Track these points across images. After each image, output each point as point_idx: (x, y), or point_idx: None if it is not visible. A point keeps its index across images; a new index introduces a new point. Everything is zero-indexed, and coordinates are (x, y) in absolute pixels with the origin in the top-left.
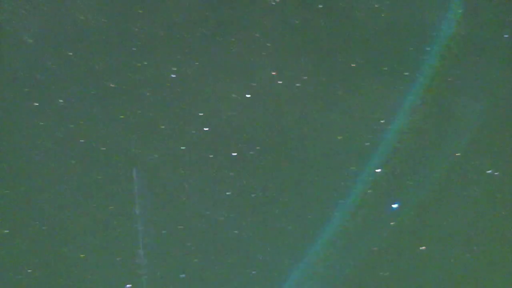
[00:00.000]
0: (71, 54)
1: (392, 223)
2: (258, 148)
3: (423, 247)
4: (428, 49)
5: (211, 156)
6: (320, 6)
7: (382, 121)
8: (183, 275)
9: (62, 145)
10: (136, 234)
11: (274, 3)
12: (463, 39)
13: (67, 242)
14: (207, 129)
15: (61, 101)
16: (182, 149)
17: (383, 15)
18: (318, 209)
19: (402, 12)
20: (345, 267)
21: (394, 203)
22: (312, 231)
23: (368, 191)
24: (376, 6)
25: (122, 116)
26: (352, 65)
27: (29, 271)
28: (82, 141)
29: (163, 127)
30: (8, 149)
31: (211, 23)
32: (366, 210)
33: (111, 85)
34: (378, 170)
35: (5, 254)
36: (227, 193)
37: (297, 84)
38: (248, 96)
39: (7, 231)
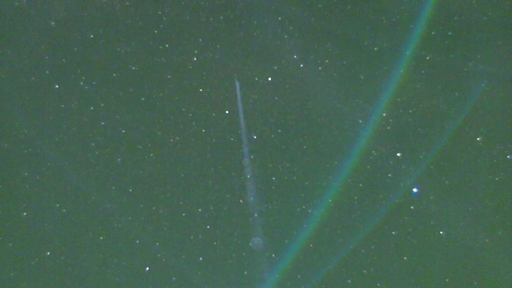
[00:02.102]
0: (92, 36)
1: (412, 207)
2: (279, 131)
3: (442, 231)
4: (450, 33)
5: (232, 139)
6: None
7: (403, 106)
8: (200, 258)
9: (83, 127)
10: (156, 216)
11: None
12: (487, 24)
13: (86, 224)
14: (228, 112)
15: (82, 84)
16: (203, 131)
17: (405, 0)
18: (338, 192)
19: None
20: (366, 250)
21: (414, 187)
22: (332, 214)
23: (389, 175)
24: None
25: (143, 99)
26: (375, 48)
27: (48, 253)
28: (103, 123)
29: (184, 109)
30: (28, 132)
31: (233, 7)
32: (386, 194)
33: (133, 68)
34: (399, 154)
35: (24, 237)
36: (248, 176)
37: (319, 68)
38: (270, 79)
39: (25, 213)
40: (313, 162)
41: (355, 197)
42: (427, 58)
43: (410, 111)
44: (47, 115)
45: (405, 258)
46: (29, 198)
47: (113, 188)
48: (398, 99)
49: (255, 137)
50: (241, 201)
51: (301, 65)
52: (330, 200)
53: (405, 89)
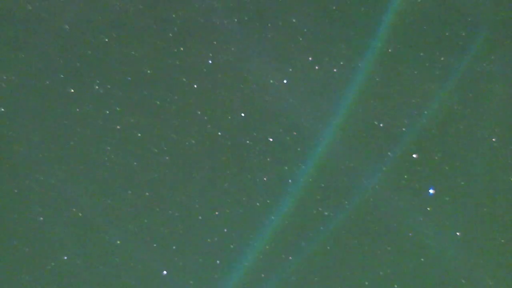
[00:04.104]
0: (107, 40)
1: (428, 208)
2: (295, 133)
3: (459, 233)
4: (463, 34)
5: (248, 141)
6: None
7: (419, 107)
8: (218, 261)
9: (98, 131)
10: (172, 219)
11: None
12: (501, 24)
13: (103, 228)
14: (243, 114)
15: (97, 87)
16: (219, 134)
17: (418, 0)
18: (354, 194)
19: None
20: (383, 252)
21: (431, 188)
22: (348, 216)
23: (405, 176)
24: None
25: (158, 102)
26: (389, 50)
27: (65, 258)
28: (119, 127)
29: (199, 112)
30: (43, 136)
31: (247, 9)
32: (402, 195)
33: (148, 71)
34: (415, 156)
35: (40, 241)
36: (264, 179)
37: (334, 70)
38: (285, 81)
39: (41, 218)
40: (328, 164)
41: (371, 199)
42: (441, 59)
43: (425, 112)
44: (62, 119)
45: (422, 259)
46: (45, 203)
47: (129, 192)
48: (413, 100)
49: (270, 139)
50: (257, 203)
51: (316, 67)
52: (346, 202)
53: (419, 90)
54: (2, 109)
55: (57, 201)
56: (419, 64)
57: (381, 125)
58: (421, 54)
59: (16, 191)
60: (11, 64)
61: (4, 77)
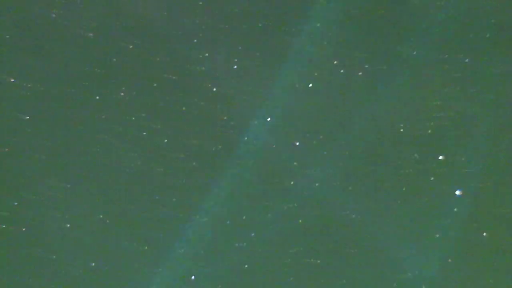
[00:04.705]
0: (131, 47)
1: (455, 210)
2: (321, 137)
3: (485, 233)
4: (487, 36)
5: (274, 146)
6: None
7: (443, 109)
8: (246, 266)
9: (124, 138)
10: (199, 225)
11: None
12: None
13: (130, 235)
14: (269, 119)
15: (122, 94)
16: (245, 139)
17: (440, 4)
18: (380, 197)
19: (459, 1)
20: (411, 253)
21: (458, 190)
22: (375, 218)
23: (431, 179)
24: None
25: (184, 108)
26: (414, 53)
27: (93, 264)
28: (144, 133)
29: (225, 118)
30: (70, 143)
31: (272, 14)
32: (429, 197)
33: (173, 77)
34: (441, 157)
35: (67, 248)
36: (291, 183)
37: (359, 73)
38: (310, 85)
39: (68, 225)
40: (354, 167)
41: (398, 201)
42: (466, 60)
43: (450, 114)
44: (88, 126)
45: (449, 260)
46: (71, 210)
47: (156, 197)
48: (438, 103)
49: (297, 143)
50: (285, 207)
51: (341, 71)
52: (373, 204)
53: (443, 93)
54: (27, 117)
55: (84, 208)
56: (443, 67)
57: (406, 127)
58: (445, 56)
59: (42, 198)
60: (36, 72)
61: (29, 85)
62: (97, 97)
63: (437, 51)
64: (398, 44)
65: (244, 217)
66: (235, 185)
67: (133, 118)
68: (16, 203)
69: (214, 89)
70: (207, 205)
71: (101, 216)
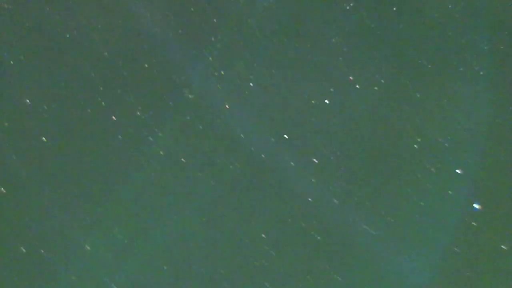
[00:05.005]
0: (147, 66)
1: (474, 223)
2: (338, 153)
3: (505, 246)
4: (502, 47)
5: (292, 163)
6: (395, 8)
7: (460, 122)
8: (266, 284)
9: (142, 158)
10: (220, 244)
11: (348, 7)
12: None
13: (150, 254)
14: (286, 136)
15: (139, 113)
16: (263, 157)
17: (457, 16)
18: (400, 212)
19: (476, 12)
20: (430, 267)
21: (475, 204)
22: (394, 233)
23: (449, 192)
24: (449, 6)
25: (201, 127)
26: (429, 66)
27: (114, 287)
28: (162, 153)
29: (242, 136)
30: (87, 164)
31: (287, 30)
32: (447, 211)
33: (189, 96)
34: (459, 171)
35: (88, 270)
36: (309, 200)
37: (375, 88)
38: (327, 101)
39: (88, 247)
40: (373, 183)
41: (417, 216)
42: (481, 73)
43: (468, 127)
44: (105, 147)
45: (467, 274)
46: (91, 231)
47: (175, 217)
48: (455, 116)
49: (315, 160)
50: (303, 224)
51: (357, 86)
52: (392, 220)
53: (461, 106)
54: (44, 139)
55: (104, 230)
56: (460, 79)
57: (423, 141)
58: (461, 69)
59: (62, 220)
60: (51, 94)
61: (45, 107)
62: (113, 117)
63: (453, 63)
64: (414, 57)
65: (263, 235)
66: (255, 203)
67: (150, 138)
68: (34, 226)
69: (228, 107)
70: (227, 224)
71: (120, 237)
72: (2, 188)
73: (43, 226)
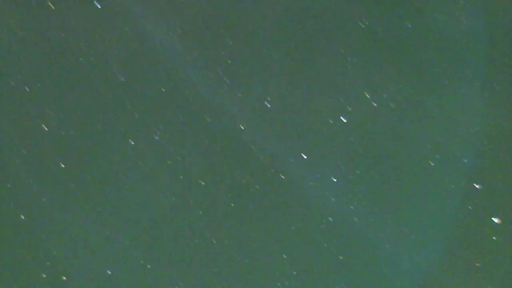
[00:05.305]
0: (164, 90)
1: (494, 238)
2: (358, 172)
3: None
4: None
5: (311, 183)
6: (410, 25)
7: (480, 138)
8: None
9: (162, 183)
10: (240, 266)
11: (363, 25)
12: None
13: (169, 278)
14: (305, 156)
15: (157, 138)
16: (282, 178)
17: (471, 34)
18: (419, 229)
19: (491, 28)
20: (452, 282)
21: (495, 218)
22: (413, 250)
23: (469, 208)
24: (464, 23)
25: (219, 149)
26: (445, 82)
27: None
28: (182, 177)
29: (261, 157)
30: (106, 191)
31: (302, 48)
32: (467, 226)
33: (207, 119)
34: (478, 186)
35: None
36: (330, 219)
37: (391, 105)
38: (344, 120)
39: (109, 272)
40: (393, 202)
41: (437, 233)
42: (497, 88)
43: (485, 142)
44: (124, 173)
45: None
46: (112, 257)
47: (196, 241)
48: (472, 131)
49: (334, 179)
50: (325, 244)
51: (374, 104)
52: (413, 237)
53: (478, 121)
54: (62, 165)
55: (124, 255)
56: (478, 95)
57: (442, 157)
58: (477, 84)
59: (79, 249)
60: (68, 119)
61: (62, 133)
62: (132, 142)
63: (470, 80)
64: (430, 73)
65: (284, 256)
66: (276, 224)
67: (169, 162)
68: (55, 251)
69: (243, 128)
70: (248, 245)
71: (142, 262)
72: (22, 216)
73: (62, 252)
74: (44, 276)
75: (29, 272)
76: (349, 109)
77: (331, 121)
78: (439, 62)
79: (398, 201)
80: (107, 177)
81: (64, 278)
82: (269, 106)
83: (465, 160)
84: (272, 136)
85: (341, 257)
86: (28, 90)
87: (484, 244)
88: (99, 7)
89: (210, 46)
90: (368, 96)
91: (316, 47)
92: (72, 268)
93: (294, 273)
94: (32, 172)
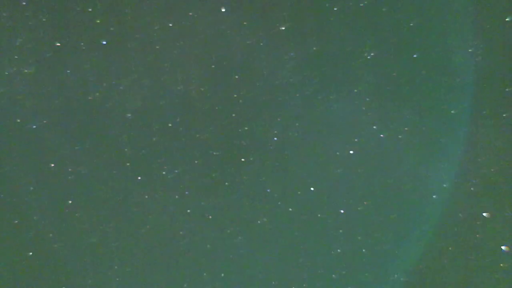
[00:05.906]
0: (171, 125)
1: (501, 265)
2: (366, 203)
3: None
4: None
5: (319, 215)
6: (415, 55)
7: (485, 165)
8: None
9: (169, 217)
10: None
11: (369, 57)
12: None
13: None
14: (313, 189)
15: (164, 173)
16: (290, 210)
17: (481, 60)
18: (427, 256)
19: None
20: None
21: (503, 246)
22: (422, 278)
23: (477, 236)
24: (470, 50)
25: (227, 183)
26: (452, 112)
27: None
28: (189, 211)
29: (269, 190)
30: (115, 225)
31: (308, 83)
32: (475, 253)
33: (214, 153)
34: (485, 214)
35: None
36: (338, 250)
37: (399, 136)
38: (351, 152)
39: (118, 279)
40: (401, 232)
41: (445, 261)
42: (504, 115)
43: (492, 170)
44: (132, 208)
45: None
46: (122, 279)
47: (204, 274)
48: (479, 159)
49: (342, 211)
50: (333, 276)
51: (381, 135)
52: (421, 266)
53: (486, 149)
54: (70, 202)
55: (134, 274)
56: (487, 125)
57: (450, 186)
58: (484, 112)
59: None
60: (77, 157)
61: (70, 169)
62: (139, 178)
63: (479, 109)
64: (438, 104)
65: (304, 286)
66: (284, 257)
67: (177, 197)
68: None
69: (253, 160)
70: (257, 279)
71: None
72: (30, 252)
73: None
74: None
75: None
76: (356, 140)
77: (338, 153)
78: (447, 94)
79: (407, 229)
80: (115, 212)
81: None
82: (276, 139)
83: (472, 188)
84: (280, 170)
85: (350, 287)
86: (35, 127)
87: (492, 272)
88: (105, 43)
89: (217, 82)
90: (376, 128)
91: (323, 81)
92: None
93: None
94: (39, 209)
